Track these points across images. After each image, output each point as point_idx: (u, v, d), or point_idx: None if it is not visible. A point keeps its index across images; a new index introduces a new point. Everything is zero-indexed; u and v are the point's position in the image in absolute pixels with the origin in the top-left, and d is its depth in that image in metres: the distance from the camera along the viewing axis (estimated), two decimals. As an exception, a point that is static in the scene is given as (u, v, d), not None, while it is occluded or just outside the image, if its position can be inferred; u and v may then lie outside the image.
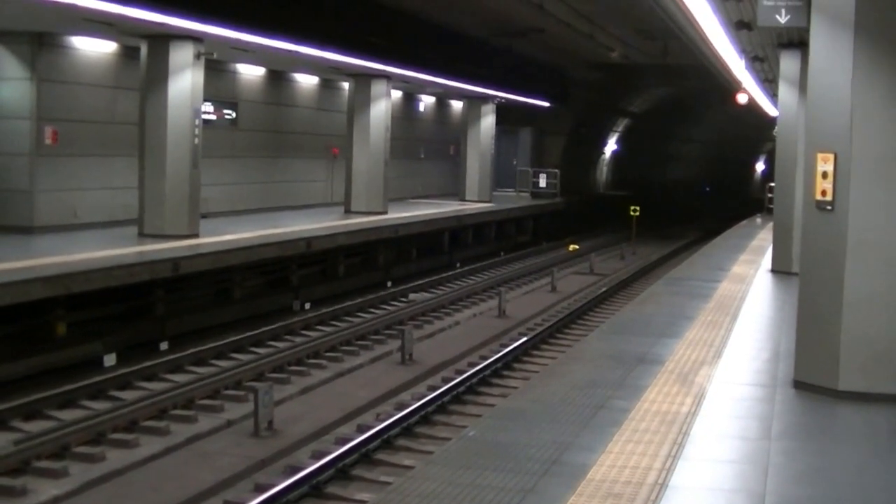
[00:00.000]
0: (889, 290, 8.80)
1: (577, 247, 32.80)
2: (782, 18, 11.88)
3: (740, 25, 15.78)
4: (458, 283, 24.50)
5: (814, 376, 9.14)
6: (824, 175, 8.90)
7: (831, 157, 8.85)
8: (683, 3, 14.77)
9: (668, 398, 8.68)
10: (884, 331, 8.81)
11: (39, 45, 18.51)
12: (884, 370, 8.83)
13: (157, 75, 18.56)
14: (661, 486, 6.49)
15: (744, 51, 19.50)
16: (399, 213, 26.55)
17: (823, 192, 8.95)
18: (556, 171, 38.58)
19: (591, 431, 7.64)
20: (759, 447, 7.48)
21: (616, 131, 49.59)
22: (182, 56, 18.55)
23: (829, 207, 8.93)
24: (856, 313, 8.84)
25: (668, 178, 60.33)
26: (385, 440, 11.39)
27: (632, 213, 32.75)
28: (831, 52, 8.98)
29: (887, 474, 7.09)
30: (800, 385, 9.23)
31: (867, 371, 8.86)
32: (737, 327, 12.39)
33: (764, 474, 6.86)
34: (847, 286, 8.85)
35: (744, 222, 34.08)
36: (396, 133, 29.42)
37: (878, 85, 8.76)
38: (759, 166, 75.08)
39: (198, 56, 18.73)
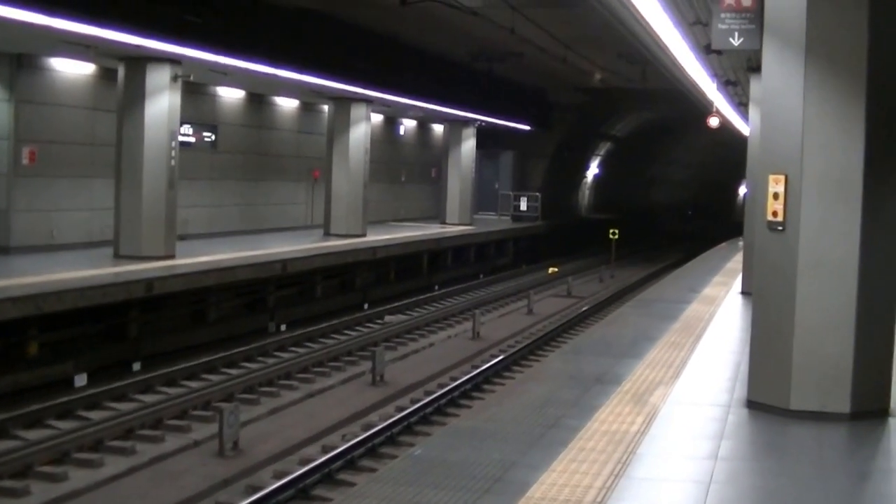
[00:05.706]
0: (840, 310, 8.88)
1: (556, 270, 32.92)
2: (735, 41, 12.01)
3: (709, 49, 15.94)
4: (435, 305, 24.58)
5: (766, 396, 9.22)
6: (775, 196, 9.03)
7: (782, 178, 8.98)
8: (653, 29, 14.98)
9: (620, 418, 8.75)
10: (834, 350, 8.87)
11: (18, 66, 18.63)
12: (835, 389, 8.90)
13: (135, 97, 18.68)
14: None
15: (716, 74, 19.72)
16: (378, 236, 26.66)
17: (775, 213, 9.07)
18: (538, 194, 38.73)
19: (538, 450, 7.71)
20: (704, 466, 7.54)
21: (598, 155, 49.77)
22: (159, 78, 18.68)
23: (780, 228, 9.04)
24: (807, 333, 8.92)
25: (650, 201, 60.51)
26: (349, 460, 11.46)
27: (611, 236, 32.94)
28: (783, 74, 9.09)
29: (829, 493, 7.14)
30: (753, 405, 9.31)
31: (818, 391, 8.93)
32: (700, 348, 12.48)
33: (705, 493, 6.93)
34: (798, 306, 8.93)
35: (723, 245, 34.23)
36: (378, 156, 29.59)
37: (829, 107, 8.85)
38: (742, 189, 75.25)
39: (175, 78, 18.85)
